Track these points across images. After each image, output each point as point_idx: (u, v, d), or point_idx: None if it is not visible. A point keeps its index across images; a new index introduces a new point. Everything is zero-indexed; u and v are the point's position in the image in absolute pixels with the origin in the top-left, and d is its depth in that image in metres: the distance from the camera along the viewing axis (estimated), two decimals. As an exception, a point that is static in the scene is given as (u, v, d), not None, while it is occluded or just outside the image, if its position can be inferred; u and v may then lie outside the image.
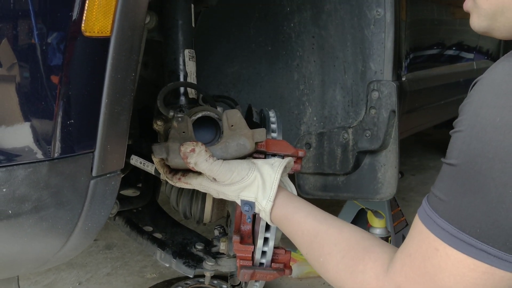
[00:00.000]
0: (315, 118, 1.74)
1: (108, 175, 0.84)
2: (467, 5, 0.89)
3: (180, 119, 1.07)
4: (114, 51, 0.77)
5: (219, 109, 1.30)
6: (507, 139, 0.66)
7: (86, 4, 0.73)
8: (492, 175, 0.67)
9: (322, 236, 0.95)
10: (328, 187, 1.74)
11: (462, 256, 0.71)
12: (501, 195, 0.67)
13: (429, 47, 2.17)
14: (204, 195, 1.35)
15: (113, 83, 0.78)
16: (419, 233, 0.76)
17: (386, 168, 1.67)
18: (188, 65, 1.34)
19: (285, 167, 1.10)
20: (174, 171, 1.10)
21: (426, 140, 4.42)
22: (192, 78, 1.35)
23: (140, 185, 1.69)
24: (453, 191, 0.72)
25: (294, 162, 1.19)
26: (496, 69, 0.72)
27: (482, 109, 0.69)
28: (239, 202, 1.06)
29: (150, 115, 1.43)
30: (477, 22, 0.86)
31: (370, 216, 1.93)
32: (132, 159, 1.35)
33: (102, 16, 0.74)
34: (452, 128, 0.76)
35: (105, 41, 0.76)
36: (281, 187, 1.07)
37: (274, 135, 1.24)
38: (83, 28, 0.73)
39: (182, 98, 1.32)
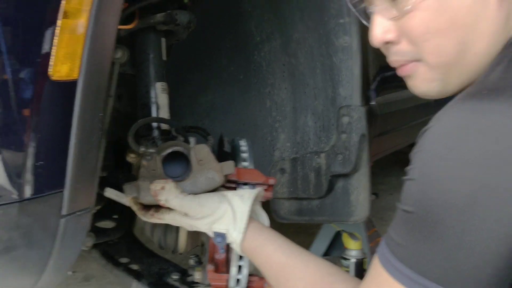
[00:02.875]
0: (288, 144, 1.77)
1: (78, 213, 0.86)
2: (409, 70, 0.86)
3: (149, 157, 1.10)
4: (82, 93, 0.79)
5: (191, 139, 1.33)
6: (462, 189, 0.68)
7: (54, 50, 0.75)
8: (450, 223, 0.69)
9: (288, 270, 0.97)
10: (303, 212, 1.77)
11: None
12: (460, 242, 0.68)
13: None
14: (178, 225, 1.36)
15: (81, 124, 0.80)
16: (379, 275, 0.77)
17: (359, 191, 1.71)
18: (160, 97, 1.36)
19: (256, 196, 1.13)
20: (146, 207, 1.12)
21: (402, 159, 4.49)
22: (164, 111, 1.37)
23: (115, 216, 1.70)
24: (411, 236, 0.73)
25: (266, 190, 1.22)
26: (444, 119, 0.72)
27: (434, 160, 0.71)
28: (211, 234, 1.08)
29: (125, 147, 1.45)
30: (429, 88, 0.85)
31: (346, 239, 1.95)
32: (106, 191, 1.36)
33: (69, 60, 0.76)
34: None
35: (72, 84, 0.78)
36: (252, 218, 1.10)
37: (245, 164, 1.26)
38: (50, 72, 0.75)
39: (155, 131, 1.34)
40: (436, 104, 0.88)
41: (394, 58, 0.87)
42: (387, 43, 0.86)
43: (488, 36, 0.79)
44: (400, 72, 0.88)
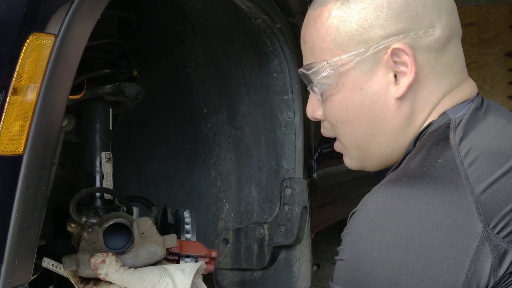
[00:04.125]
0: (232, 214, 1.79)
1: (14, 289, 0.84)
2: (338, 147, 0.99)
3: (90, 229, 1.10)
4: (26, 167, 0.79)
5: (135, 209, 1.33)
6: (384, 271, 0.73)
7: (0, 125, 0.76)
8: None
9: None
10: (246, 283, 1.77)
11: None
12: None
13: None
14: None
15: (24, 198, 0.80)
16: None
17: (301, 262, 1.73)
18: (104, 167, 1.37)
19: (198, 269, 1.13)
20: (86, 280, 1.11)
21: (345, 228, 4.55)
22: (108, 180, 1.37)
23: (52, 287, 1.64)
24: None
25: (208, 262, 1.23)
26: (369, 203, 0.79)
27: (360, 242, 0.76)
28: (152, 308, 1.07)
29: (66, 214, 1.42)
30: (350, 164, 0.98)
31: (288, 310, 1.95)
32: (44, 261, 1.32)
33: (16, 136, 0.77)
34: None
35: (17, 158, 0.79)
36: (193, 292, 1.10)
37: (188, 236, 1.28)
38: (-5, 147, 0.76)
39: (98, 200, 1.33)
40: (376, 176, 0.97)
41: (323, 131, 1.00)
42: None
43: (387, 132, 0.88)
44: (335, 147, 1.00)
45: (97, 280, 1.10)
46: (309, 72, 0.90)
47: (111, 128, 1.42)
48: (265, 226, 1.72)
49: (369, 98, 0.87)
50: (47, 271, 1.43)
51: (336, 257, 0.81)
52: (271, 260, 1.73)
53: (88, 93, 1.33)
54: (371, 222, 0.76)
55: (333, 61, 0.87)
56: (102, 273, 1.03)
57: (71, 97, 1.29)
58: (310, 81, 0.92)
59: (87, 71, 1.34)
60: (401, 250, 0.73)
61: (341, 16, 0.86)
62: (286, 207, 1.70)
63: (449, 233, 0.72)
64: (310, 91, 0.94)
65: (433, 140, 0.83)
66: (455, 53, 0.88)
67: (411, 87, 0.85)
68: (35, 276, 1.48)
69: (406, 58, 0.83)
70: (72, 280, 1.14)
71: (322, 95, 0.91)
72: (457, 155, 0.77)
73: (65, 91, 0.86)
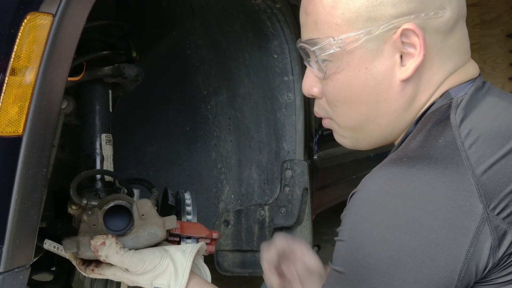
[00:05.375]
0: (232, 196, 1.80)
1: (16, 270, 0.84)
2: (328, 124, 0.95)
3: (90, 212, 1.09)
4: (26, 148, 0.79)
5: (135, 191, 1.33)
6: (384, 252, 0.73)
7: (-1, 106, 0.76)
8: (374, 284, 0.74)
9: None
10: (247, 264, 1.78)
11: None
12: None
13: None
14: (119, 279, 1.34)
15: (24, 180, 0.80)
16: None
17: (301, 243, 1.74)
18: (104, 149, 1.36)
19: (199, 251, 1.13)
20: (87, 262, 1.11)
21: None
22: (109, 162, 1.37)
23: (53, 268, 1.65)
24: None
25: (208, 244, 1.23)
26: (369, 184, 0.78)
27: (360, 223, 0.76)
28: (152, 290, 1.08)
29: (66, 197, 1.42)
30: (342, 141, 0.95)
31: (288, 291, 1.96)
32: (45, 243, 1.33)
33: (15, 117, 0.77)
34: None
35: (17, 139, 0.78)
36: (194, 273, 1.10)
37: (189, 217, 1.28)
38: (-5, 128, 0.76)
39: (98, 182, 1.33)
40: (376, 158, 0.96)
41: (315, 109, 0.96)
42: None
43: (389, 114, 0.87)
44: (323, 124, 0.97)
45: (98, 262, 1.10)
46: (313, 48, 0.87)
47: (111, 110, 1.42)
48: (266, 207, 1.73)
49: (374, 79, 0.84)
50: (48, 253, 1.44)
51: (335, 238, 0.80)
52: (271, 241, 1.74)
53: (87, 74, 1.32)
54: (370, 203, 0.76)
55: (340, 39, 0.83)
56: (102, 255, 1.03)
57: (70, 79, 1.28)
58: (309, 56, 0.89)
59: (86, 52, 1.33)
60: (401, 230, 0.72)
61: None
62: (287, 189, 1.70)
63: (450, 214, 0.71)
64: (307, 65, 0.91)
65: (434, 120, 0.82)
66: (461, 35, 0.87)
67: (417, 69, 0.83)
68: (36, 258, 1.49)
69: (415, 40, 0.81)
70: (73, 262, 1.14)
71: (324, 72, 0.88)
72: (457, 136, 0.77)
73: (64, 72, 0.86)
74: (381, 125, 0.88)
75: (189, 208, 1.29)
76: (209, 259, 1.30)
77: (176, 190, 1.39)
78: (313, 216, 1.79)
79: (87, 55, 1.31)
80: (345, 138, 0.93)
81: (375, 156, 2.61)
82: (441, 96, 0.86)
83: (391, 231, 0.73)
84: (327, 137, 2.04)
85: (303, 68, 1.64)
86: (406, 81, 0.84)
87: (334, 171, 2.12)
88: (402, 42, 0.82)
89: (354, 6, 0.82)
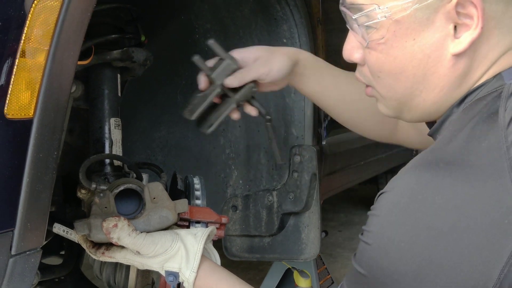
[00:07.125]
0: (241, 181, 1.79)
1: (27, 252, 0.84)
2: (370, 92, 0.91)
3: (101, 194, 1.09)
4: (37, 131, 0.79)
5: (144, 176, 1.33)
6: (410, 265, 0.69)
7: (10, 88, 0.75)
8: None
9: None
10: (255, 249, 1.78)
11: None
12: None
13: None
14: (128, 263, 1.34)
15: (35, 163, 0.79)
16: None
17: (310, 229, 1.74)
18: (113, 133, 1.36)
19: (209, 235, 1.13)
20: (97, 245, 1.11)
21: (351, 196, 4.58)
22: (117, 146, 1.37)
23: (63, 252, 1.66)
24: None
25: (218, 228, 1.22)
26: (401, 187, 0.73)
27: (388, 229, 0.72)
28: (163, 273, 1.07)
29: (75, 181, 1.43)
30: (385, 111, 0.90)
31: (296, 276, 1.97)
32: (55, 227, 1.33)
33: (26, 99, 0.76)
34: (376, 187, 0.79)
35: (27, 122, 0.78)
36: (205, 257, 1.10)
37: (198, 202, 1.27)
38: (5, 111, 0.75)
39: (107, 167, 1.33)
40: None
41: (357, 75, 0.91)
42: None
43: (437, 89, 0.81)
44: (366, 92, 0.92)
45: (108, 245, 1.10)
46: (355, 16, 0.80)
47: (119, 94, 1.41)
48: (274, 193, 1.72)
49: (422, 51, 0.78)
50: (57, 237, 1.44)
51: (360, 237, 0.77)
52: (279, 226, 1.74)
53: (95, 58, 1.31)
54: (401, 210, 0.71)
55: (386, 7, 0.77)
56: (114, 237, 1.02)
57: (79, 62, 1.27)
58: (354, 21, 0.82)
59: (94, 36, 1.32)
60: (431, 245, 0.69)
61: None
62: (295, 174, 1.69)
63: (485, 231, 0.67)
64: (350, 29, 0.84)
65: (481, 114, 0.74)
66: None
67: (472, 43, 0.76)
68: (46, 241, 1.50)
69: (473, 11, 0.74)
70: (84, 245, 1.14)
71: (367, 41, 0.81)
72: (503, 140, 0.70)
73: (74, 54, 0.85)
74: (426, 101, 0.83)
75: (198, 193, 1.29)
76: (217, 244, 1.30)
77: (185, 175, 1.39)
78: (321, 202, 1.78)
79: (96, 39, 1.30)
80: (389, 108, 0.89)
81: (384, 144, 2.59)
82: (494, 77, 0.78)
83: (420, 244, 0.69)
84: (336, 122, 2.02)
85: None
86: (458, 55, 0.77)
87: (343, 157, 2.11)
88: (457, 12, 0.75)
89: None
